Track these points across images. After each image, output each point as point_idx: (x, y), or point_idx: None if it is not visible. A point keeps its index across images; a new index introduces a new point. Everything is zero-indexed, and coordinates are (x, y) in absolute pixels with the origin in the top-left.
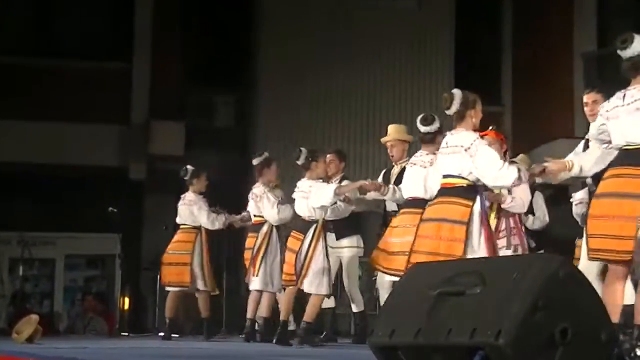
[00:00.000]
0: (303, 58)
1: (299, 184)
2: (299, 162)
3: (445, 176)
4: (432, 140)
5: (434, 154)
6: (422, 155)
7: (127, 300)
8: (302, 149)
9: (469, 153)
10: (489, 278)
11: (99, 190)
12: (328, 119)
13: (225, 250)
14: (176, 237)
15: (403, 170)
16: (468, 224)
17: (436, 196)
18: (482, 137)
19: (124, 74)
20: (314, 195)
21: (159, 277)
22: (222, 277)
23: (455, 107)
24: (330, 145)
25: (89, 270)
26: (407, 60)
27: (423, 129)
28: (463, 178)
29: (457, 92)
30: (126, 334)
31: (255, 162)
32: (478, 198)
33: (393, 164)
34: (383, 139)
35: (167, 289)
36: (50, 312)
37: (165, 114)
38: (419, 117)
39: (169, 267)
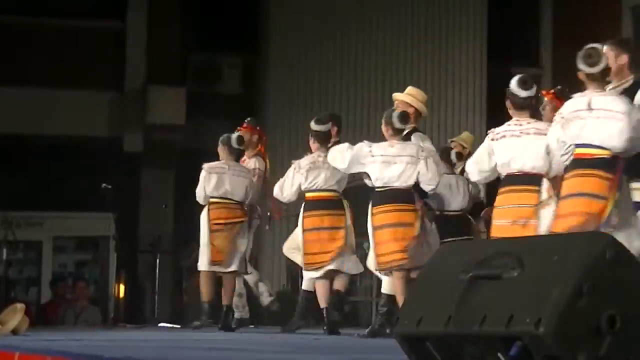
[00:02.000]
0: (317, 16)
1: (376, 149)
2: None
3: (581, 145)
4: (530, 106)
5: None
6: (529, 123)
7: (122, 287)
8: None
9: (629, 120)
10: (528, 260)
11: (90, 164)
12: (345, 84)
13: None
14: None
15: (407, 137)
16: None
17: (570, 168)
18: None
19: (117, 34)
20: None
21: (158, 260)
22: None
23: (602, 64)
24: (347, 113)
25: (80, 253)
26: (432, 17)
27: (524, 93)
28: (604, 149)
29: (604, 48)
30: (122, 324)
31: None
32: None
33: None
34: (394, 95)
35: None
36: (38, 300)
37: (163, 78)
38: (516, 80)
39: None
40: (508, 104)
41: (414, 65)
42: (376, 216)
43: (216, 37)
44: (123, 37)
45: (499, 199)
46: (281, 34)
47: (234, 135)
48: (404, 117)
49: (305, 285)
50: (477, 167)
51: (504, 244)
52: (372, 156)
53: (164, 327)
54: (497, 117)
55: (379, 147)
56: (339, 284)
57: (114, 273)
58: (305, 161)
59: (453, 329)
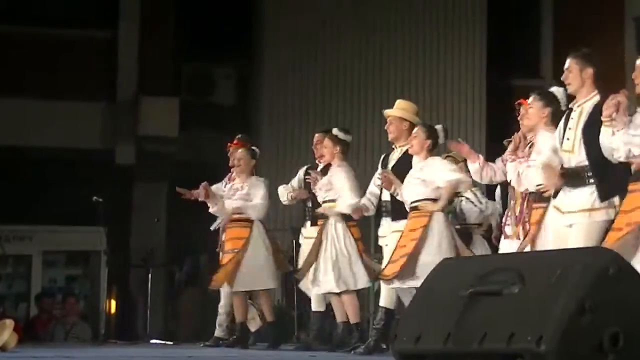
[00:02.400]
0: (313, 25)
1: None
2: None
3: None
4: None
5: None
6: None
7: (114, 302)
8: None
9: None
10: (529, 276)
11: (81, 176)
12: (341, 95)
13: None
14: None
15: (404, 154)
16: None
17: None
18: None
19: (109, 44)
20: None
21: (150, 275)
22: None
23: None
24: (343, 124)
25: (71, 268)
26: (432, 27)
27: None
28: None
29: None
30: (114, 341)
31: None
32: None
33: (393, 146)
34: (385, 112)
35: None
36: (27, 316)
37: (156, 88)
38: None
39: None
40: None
41: (412, 76)
42: None
43: (210, 47)
44: (115, 47)
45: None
46: (275, 44)
47: None
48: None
49: (316, 306)
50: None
51: (505, 260)
52: None
53: (156, 344)
54: (496, 129)
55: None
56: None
57: (105, 288)
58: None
59: (452, 347)
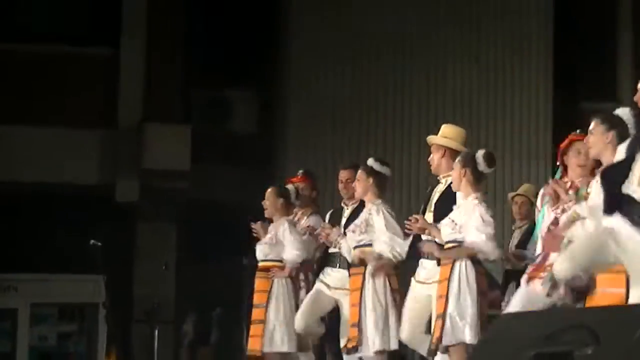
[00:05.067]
0: (347, 42)
1: None
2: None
3: None
4: None
5: None
6: None
7: None
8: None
9: None
10: (604, 334)
11: (76, 216)
12: (380, 123)
13: None
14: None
15: (449, 187)
16: None
17: None
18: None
19: (110, 62)
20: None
21: (156, 333)
22: None
23: None
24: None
25: (63, 324)
26: (486, 45)
27: None
28: None
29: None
30: None
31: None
32: None
33: (439, 178)
34: (428, 139)
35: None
36: None
37: (164, 115)
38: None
39: None
40: None
41: (464, 102)
42: None
43: (226, 67)
44: (116, 66)
45: None
46: (302, 63)
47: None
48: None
49: None
50: None
51: (575, 315)
52: None
53: None
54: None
55: None
56: None
57: (103, 347)
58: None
59: None
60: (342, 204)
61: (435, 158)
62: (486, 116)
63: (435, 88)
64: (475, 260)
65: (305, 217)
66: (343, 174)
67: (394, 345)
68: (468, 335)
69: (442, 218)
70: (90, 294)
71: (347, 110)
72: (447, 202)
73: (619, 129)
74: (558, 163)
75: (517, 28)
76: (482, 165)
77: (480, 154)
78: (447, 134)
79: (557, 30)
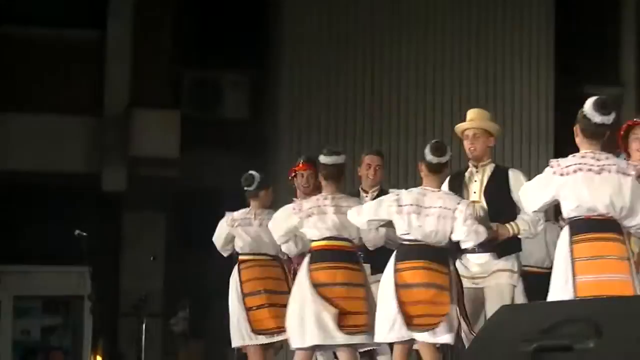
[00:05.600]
0: (342, 24)
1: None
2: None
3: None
4: (601, 137)
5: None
6: (608, 158)
7: (100, 358)
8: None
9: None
10: (606, 327)
11: (61, 206)
12: (376, 108)
13: None
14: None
15: (492, 175)
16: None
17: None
18: None
19: (95, 46)
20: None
21: (144, 326)
22: None
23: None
24: (375, 143)
25: (48, 317)
26: (486, 28)
27: (598, 118)
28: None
29: None
30: None
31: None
32: None
33: (470, 164)
34: (461, 126)
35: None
36: None
37: (152, 100)
38: (592, 101)
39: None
40: (576, 129)
41: (464, 86)
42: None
43: (216, 50)
44: (102, 50)
45: (577, 249)
46: (296, 46)
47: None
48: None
49: None
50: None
51: (576, 307)
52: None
53: None
54: (565, 146)
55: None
56: None
57: (89, 341)
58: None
59: None
60: (361, 190)
61: (480, 146)
62: (485, 99)
63: (433, 70)
64: None
65: None
66: (374, 160)
67: None
68: None
69: (498, 203)
70: (75, 286)
71: (341, 94)
72: (498, 186)
73: None
74: (619, 149)
75: (518, 11)
76: (429, 156)
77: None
78: (487, 118)
79: (559, 13)
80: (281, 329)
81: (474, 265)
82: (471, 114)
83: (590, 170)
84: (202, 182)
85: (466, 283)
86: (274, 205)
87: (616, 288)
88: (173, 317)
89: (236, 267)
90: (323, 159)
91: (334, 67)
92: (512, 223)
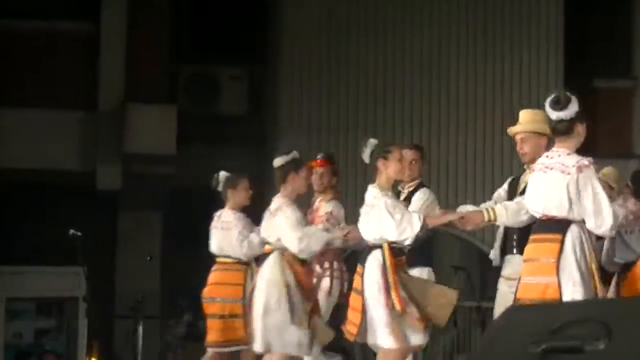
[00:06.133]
0: (343, 15)
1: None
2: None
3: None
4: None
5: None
6: (559, 156)
7: None
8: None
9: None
10: (616, 328)
11: (54, 205)
12: (380, 103)
13: None
14: (215, 277)
15: None
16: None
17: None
18: None
19: (90, 39)
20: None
21: (140, 329)
22: None
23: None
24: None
25: (41, 319)
26: (493, 20)
27: (554, 115)
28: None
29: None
30: None
31: (278, 162)
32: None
33: (525, 167)
34: (512, 130)
35: (211, 349)
36: None
37: (147, 95)
38: (549, 98)
39: (213, 320)
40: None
41: (471, 79)
42: None
43: (214, 44)
44: (96, 43)
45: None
46: (294, 40)
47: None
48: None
49: None
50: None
51: (585, 308)
52: None
53: None
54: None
55: None
56: None
57: (84, 345)
58: None
59: None
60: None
61: (530, 149)
62: (493, 92)
63: (439, 62)
64: None
65: (325, 203)
66: (411, 154)
67: None
68: None
69: None
70: (69, 287)
71: (342, 89)
72: None
73: None
74: None
75: (527, 2)
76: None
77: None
78: (538, 120)
79: (570, 5)
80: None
81: (514, 265)
82: (520, 116)
83: (540, 169)
84: (200, 180)
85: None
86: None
87: (532, 291)
88: (173, 319)
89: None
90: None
91: (334, 61)
92: (488, 208)
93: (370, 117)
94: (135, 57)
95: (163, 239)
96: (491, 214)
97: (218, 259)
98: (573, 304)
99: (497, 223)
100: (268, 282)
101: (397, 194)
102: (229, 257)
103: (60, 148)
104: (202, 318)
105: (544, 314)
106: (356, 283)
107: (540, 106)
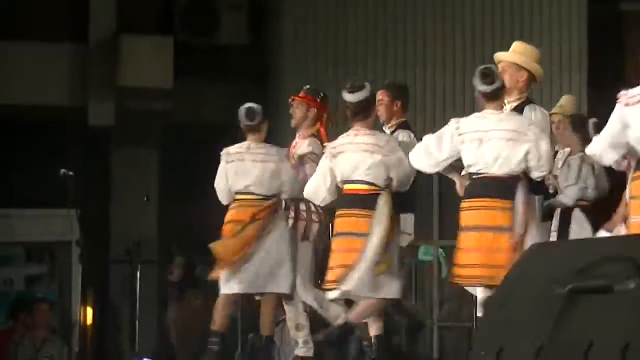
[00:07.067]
0: None
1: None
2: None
3: None
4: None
5: None
6: None
7: (90, 311)
8: None
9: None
10: None
11: (43, 143)
12: (390, 30)
13: None
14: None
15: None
16: None
17: None
18: None
19: None
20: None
21: (138, 274)
22: None
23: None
24: (388, 72)
25: (31, 266)
26: None
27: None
28: None
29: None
30: None
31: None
32: None
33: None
34: (498, 56)
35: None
36: None
37: (141, 25)
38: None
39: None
40: None
41: (487, 13)
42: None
43: None
44: None
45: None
46: None
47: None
48: (487, 74)
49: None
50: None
51: (615, 245)
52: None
53: None
54: (600, 71)
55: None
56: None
57: (78, 292)
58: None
59: None
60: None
61: (508, 79)
62: (512, 26)
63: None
64: None
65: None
66: (379, 94)
67: None
68: None
69: None
70: (61, 231)
71: (351, 17)
72: None
73: None
74: None
75: None
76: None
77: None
78: (523, 52)
79: None
80: None
81: None
82: (512, 45)
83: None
84: (199, 116)
85: None
86: (277, 140)
87: None
88: (170, 264)
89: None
90: (347, 96)
91: None
92: None
93: (382, 48)
94: None
95: (160, 179)
96: None
97: (244, 197)
98: (599, 241)
99: None
100: (385, 226)
101: None
102: (256, 194)
103: (49, 83)
104: (201, 263)
105: (569, 252)
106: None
107: (563, 33)
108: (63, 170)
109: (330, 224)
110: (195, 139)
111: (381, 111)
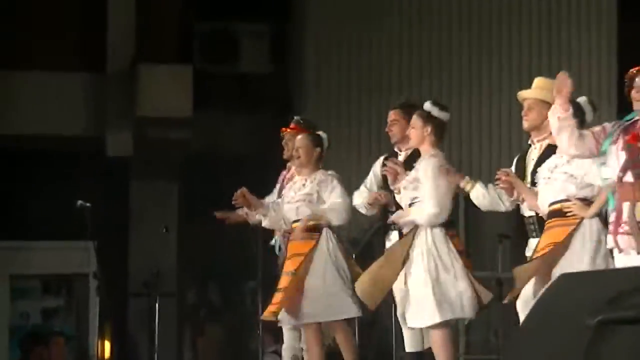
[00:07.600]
0: None
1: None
2: None
3: None
4: None
5: None
6: None
7: (108, 344)
8: None
9: None
10: None
11: (61, 174)
12: (410, 58)
13: None
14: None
15: (548, 149)
16: None
17: None
18: None
19: None
20: None
21: (156, 307)
22: None
23: None
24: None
25: (48, 299)
26: None
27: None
28: None
29: None
30: None
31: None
32: None
33: (530, 142)
34: (522, 94)
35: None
36: None
37: (161, 54)
38: None
39: None
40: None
41: (513, 24)
42: None
43: None
44: None
45: None
46: None
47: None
48: None
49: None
50: None
51: None
52: None
53: None
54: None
55: None
56: None
57: (95, 325)
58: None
59: None
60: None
61: (535, 116)
62: (539, 52)
63: (479, 22)
64: None
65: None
66: (391, 115)
67: None
68: None
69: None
70: (78, 263)
71: (374, 46)
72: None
73: None
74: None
75: None
76: (589, 114)
77: (583, 101)
78: (545, 87)
79: None
80: None
81: None
82: (534, 82)
83: None
84: (219, 146)
85: None
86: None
87: None
88: (189, 297)
89: None
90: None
91: (366, 16)
92: (470, 180)
93: (407, 76)
94: (147, 12)
95: (179, 209)
96: (468, 185)
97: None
98: (629, 270)
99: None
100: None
101: (394, 155)
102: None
103: (67, 113)
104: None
105: (599, 282)
106: None
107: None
108: (80, 202)
109: None
110: (214, 168)
111: (394, 131)
